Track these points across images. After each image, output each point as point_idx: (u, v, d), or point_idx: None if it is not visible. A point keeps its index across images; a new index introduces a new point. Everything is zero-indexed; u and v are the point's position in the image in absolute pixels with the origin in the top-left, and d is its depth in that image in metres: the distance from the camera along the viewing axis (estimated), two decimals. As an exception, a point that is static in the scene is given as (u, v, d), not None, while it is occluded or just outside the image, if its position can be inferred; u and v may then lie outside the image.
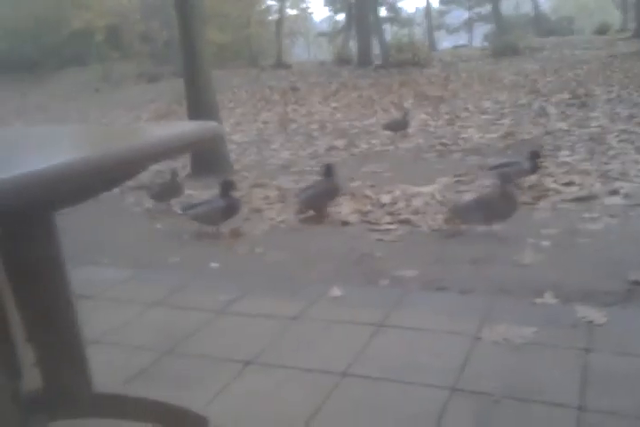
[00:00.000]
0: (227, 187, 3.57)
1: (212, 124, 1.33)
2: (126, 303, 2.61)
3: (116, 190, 5.22)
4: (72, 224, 4.05)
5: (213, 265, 3.12)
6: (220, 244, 3.53)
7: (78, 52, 24.25)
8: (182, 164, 6.27)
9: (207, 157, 5.62)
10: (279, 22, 23.47)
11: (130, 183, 5.42)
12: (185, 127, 1.35)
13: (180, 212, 3.87)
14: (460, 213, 3.41)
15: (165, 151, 1.19)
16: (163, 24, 21.19)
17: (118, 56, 24.14)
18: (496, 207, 3.25)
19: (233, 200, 3.59)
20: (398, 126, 7.06)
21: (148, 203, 4.73)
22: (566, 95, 9.07)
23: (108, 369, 1.95)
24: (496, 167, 4.27)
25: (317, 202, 3.91)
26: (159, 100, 14.42)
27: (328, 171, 3.89)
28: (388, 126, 7.14)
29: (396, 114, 8.49)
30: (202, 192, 4.89)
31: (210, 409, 1.71)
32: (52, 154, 1.14)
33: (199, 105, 5.82)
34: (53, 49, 23.75)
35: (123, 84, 19.38)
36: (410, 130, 7.16)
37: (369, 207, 4.00)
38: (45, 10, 22.81)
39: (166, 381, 1.97)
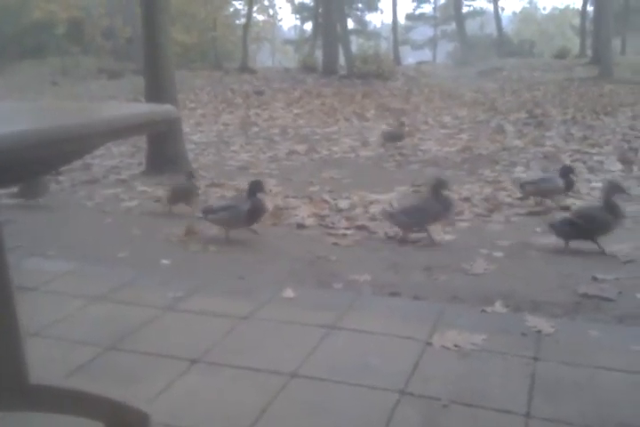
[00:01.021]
0: (254, 188, 3.34)
1: (167, 106, 1.29)
2: (69, 297, 2.51)
3: (67, 184, 5.09)
4: (20, 215, 3.93)
5: (164, 262, 3.05)
6: (172, 241, 3.45)
7: (38, 44, 23.65)
8: (138, 160, 6.16)
9: (164, 155, 5.53)
10: (246, 27, 23.39)
11: (82, 177, 5.30)
12: (139, 108, 1.31)
13: (200, 215, 3.58)
14: (557, 229, 3.20)
15: (117, 129, 1.13)
16: (126, 20, 20.87)
17: (79, 50, 23.64)
18: (602, 221, 3.08)
19: (258, 202, 3.34)
20: (394, 137, 7.06)
21: (100, 197, 4.61)
22: (523, 114, 9.29)
23: (47, 363, 1.88)
24: (529, 183, 4.11)
25: (418, 224, 3.41)
26: (118, 97, 14.17)
27: (439, 186, 3.33)
28: (385, 136, 7.12)
29: (392, 125, 8.52)
30: (155, 189, 4.80)
31: (152, 407, 1.64)
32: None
33: (159, 103, 5.70)
34: (12, 39, 23.09)
35: (82, 79, 18.98)
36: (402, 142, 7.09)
37: (326, 212, 3.98)
38: (6, -2, 22.21)
39: (108, 377, 1.90)
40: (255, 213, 3.32)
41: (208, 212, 3.48)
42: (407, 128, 7.79)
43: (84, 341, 2.12)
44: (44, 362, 1.85)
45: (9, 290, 1.44)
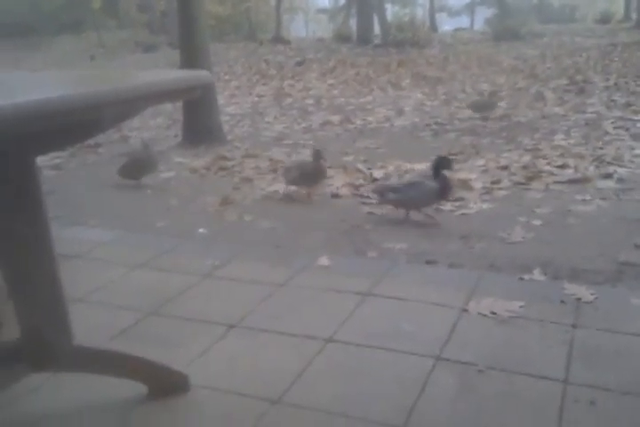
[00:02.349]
0: (441, 164, 3.01)
1: (202, 72, 1.31)
2: (111, 264, 2.57)
3: (106, 156, 5.17)
4: (61, 186, 4.02)
5: (201, 231, 3.09)
6: (209, 211, 3.49)
7: (75, 19, 23.87)
8: (174, 132, 6.21)
9: (199, 127, 5.55)
10: (279, -3, 23.11)
11: (120, 149, 5.37)
12: (176, 74, 1.32)
13: (375, 195, 3.25)
14: None
15: (156, 94, 1.15)
16: (161, -7, 20.84)
17: (115, 24, 23.78)
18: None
19: (446, 181, 3.02)
20: (484, 107, 6.57)
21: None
22: (564, 81, 9.02)
23: (91, 327, 1.92)
24: None
25: None
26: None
27: None
28: (474, 106, 6.65)
29: (479, 94, 8.05)
30: (192, 160, 4.84)
31: (191, 370, 1.69)
32: (35, 91, 1.10)
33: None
34: (50, 15, 23.34)
35: (118, 53, 19.12)
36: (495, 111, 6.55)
37: (361, 181, 3.96)
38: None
39: (149, 341, 1.95)
40: (446, 191, 3.03)
41: (386, 191, 3.14)
42: (500, 96, 7.13)
43: (126, 306, 2.17)
44: (89, 326, 1.89)
45: (52, 257, 1.48)
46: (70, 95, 1.02)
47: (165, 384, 1.62)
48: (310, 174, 3.56)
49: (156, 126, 6.88)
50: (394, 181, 3.29)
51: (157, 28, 22.13)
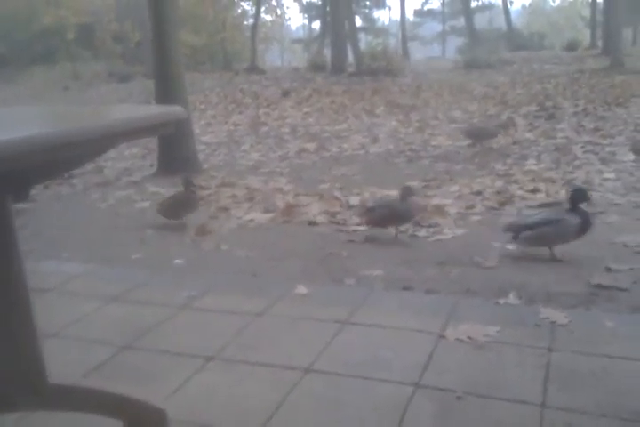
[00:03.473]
0: (578, 197, 2.89)
1: (176, 107, 1.31)
2: (85, 298, 2.54)
3: (80, 186, 5.14)
4: (34, 219, 3.98)
5: (177, 261, 3.07)
6: (184, 241, 3.47)
7: (49, 50, 23.86)
8: (150, 162, 6.20)
9: (175, 156, 5.56)
10: (254, 27, 23.41)
11: (94, 180, 5.35)
12: (149, 110, 1.33)
13: (509, 234, 3.03)
14: None
15: (129, 131, 1.16)
16: (136, 24, 20.97)
17: (89, 55, 23.81)
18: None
19: (587, 215, 2.88)
20: (482, 135, 6.31)
21: (113, 199, 4.64)
22: (534, 107, 9.23)
23: (65, 363, 1.90)
24: None
25: None
26: (129, 100, 14.25)
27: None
28: (470, 133, 6.44)
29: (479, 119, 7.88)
30: (169, 190, 4.82)
31: (169, 404, 1.66)
32: (6, 130, 1.10)
33: (170, 105, 5.73)
34: (23, 45, 23.31)
35: (93, 84, 19.13)
36: (495, 140, 6.34)
37: (337, 208, 3.98)
38: (16, 5, 22.39)
39: (125, 375, 1.92)
40: (587, 226, 2.87)
41: (520, 229, 2.96)
42: (506, 124, 6.85)
43: (100, 340, 2.14)
44: (63, 362, 1.87)
45: (25, 292, 1.46)
46: (41, 134, 1.02)
47: (142, 420, 1.59)
48: (402, 215, 3.28)
49: (131, 156, 6.87)
50: (523, 218, 3.12)
51: (132, 59, 22.22)
